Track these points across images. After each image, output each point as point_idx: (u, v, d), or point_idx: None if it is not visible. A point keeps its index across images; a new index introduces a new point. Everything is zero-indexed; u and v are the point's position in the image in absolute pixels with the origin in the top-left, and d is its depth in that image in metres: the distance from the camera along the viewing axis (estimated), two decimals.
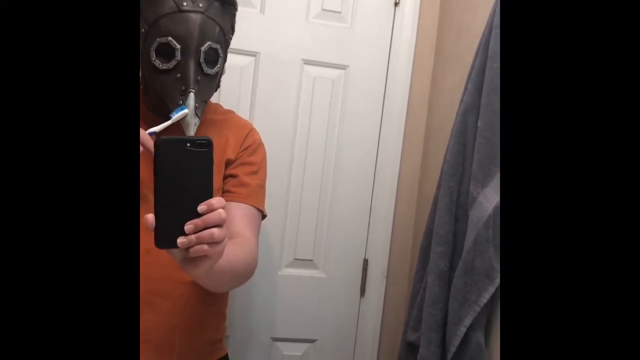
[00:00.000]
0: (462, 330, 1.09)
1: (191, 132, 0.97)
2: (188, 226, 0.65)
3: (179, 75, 0.98)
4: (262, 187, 1.11)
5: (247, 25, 1.52)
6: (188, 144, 0.66)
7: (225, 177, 1.07)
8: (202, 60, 0.99)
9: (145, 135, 0.90)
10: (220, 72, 1.06)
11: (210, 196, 0.67)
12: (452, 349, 1.11)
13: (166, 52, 0.97)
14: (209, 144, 0.67)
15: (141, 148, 0.89)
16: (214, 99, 1.16)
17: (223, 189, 1.07)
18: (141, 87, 1.04)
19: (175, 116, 0.96)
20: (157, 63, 0.98)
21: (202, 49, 0.98)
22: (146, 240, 0.67)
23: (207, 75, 1.01)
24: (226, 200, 1.03)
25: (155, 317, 1.00)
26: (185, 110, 0.96)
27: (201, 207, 0.66)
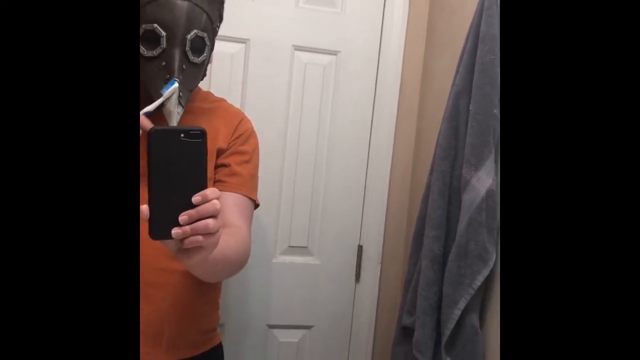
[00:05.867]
0: (457, 313, 1.09)
1: (174, 121, 0.95)
2: (182, 217, 0.65)
3: (163, 63, 0.96)
4: (254, 177, 1.10)
5: (237, 12, 1.50)
6: (182, 135, 0.66)
7: (217, 167, 1.06)
8: (187, 48, 0.97)
9: (142, 118, 0.89)
10: (207, 61, 1.05)
11: (205, 187, 0.67)
12: (447, 332, 1.11)
13: (151, 39, 0.96)
14: (202, 135, 0.67)
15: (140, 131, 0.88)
16: (204, 86, 1.15)
17: (215, 178, 1.06)
18: None
19: (167, 92, 0.94)
20: (142, 50, 0.96)
21: (189, 37, 0.97)
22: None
23: (192, 64, 0.99)
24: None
25: (147, 307, 0.99)
26: (176, 85, 0.94)
27: (195, 198, 0.65)
